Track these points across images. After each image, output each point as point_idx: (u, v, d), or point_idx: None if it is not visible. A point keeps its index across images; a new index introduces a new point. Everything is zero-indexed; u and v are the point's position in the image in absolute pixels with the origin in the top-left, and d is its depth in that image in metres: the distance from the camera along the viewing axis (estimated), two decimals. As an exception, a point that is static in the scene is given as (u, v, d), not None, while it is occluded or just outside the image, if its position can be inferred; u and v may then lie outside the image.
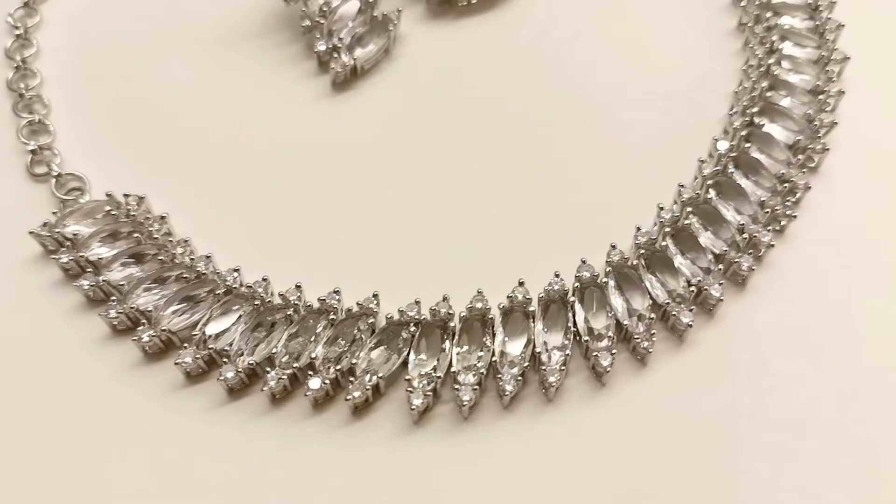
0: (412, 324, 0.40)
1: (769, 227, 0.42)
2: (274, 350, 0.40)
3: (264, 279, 0.42)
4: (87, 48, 0.51)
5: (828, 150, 0.45)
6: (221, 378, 0.39)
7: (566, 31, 0.51)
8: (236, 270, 0.42)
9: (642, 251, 0.42)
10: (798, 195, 0.43)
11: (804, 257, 0.43)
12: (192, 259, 0.42)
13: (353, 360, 0.39)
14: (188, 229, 0.44)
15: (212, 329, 0.40)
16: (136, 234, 0.43)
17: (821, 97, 0.46)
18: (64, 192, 0.45)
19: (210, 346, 0.40)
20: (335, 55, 0.48)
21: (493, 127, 0.48)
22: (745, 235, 0.42)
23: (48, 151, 0.47)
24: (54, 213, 0.44)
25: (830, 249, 0.43)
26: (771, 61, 0.47)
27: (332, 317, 0.41)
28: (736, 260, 0.41)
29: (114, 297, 0.41)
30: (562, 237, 0.44)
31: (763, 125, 0.45)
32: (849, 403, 0.39)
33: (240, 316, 0.41)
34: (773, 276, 0.42)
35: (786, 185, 0.43)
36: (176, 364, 0.40)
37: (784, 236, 0.43)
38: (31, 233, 0.43)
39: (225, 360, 0.40)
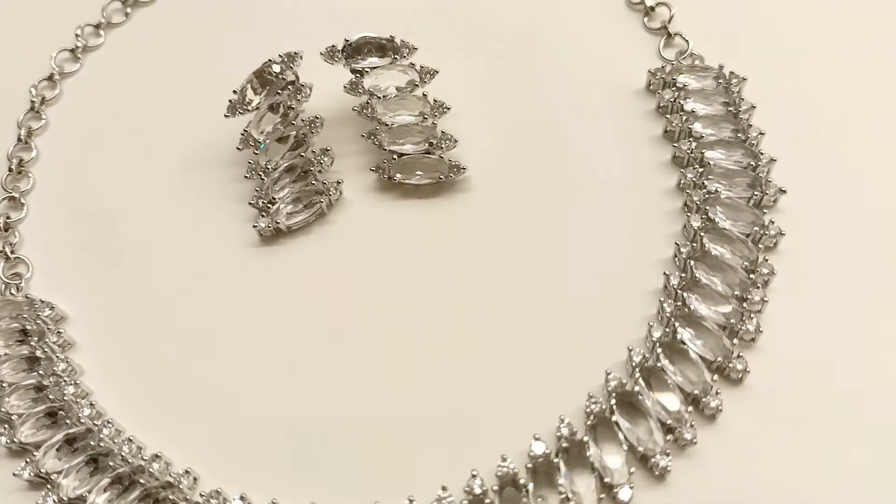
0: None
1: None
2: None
3: (110, 421, 0.46)
4: (73, 156, 0.56)
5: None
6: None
7: (502, 223, 0.52)
8: (92, 404, 0.47)
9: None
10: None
11: None
12: (64, 381, 0.47)
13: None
14: (87, 339, 0.50)
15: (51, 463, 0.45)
16: (32, 342, 0.48)
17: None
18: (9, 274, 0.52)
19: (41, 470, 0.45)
20: (262, 214, 0.51)
21: (409, 310, 0.50)
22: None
23: (11, 230, 0.53)
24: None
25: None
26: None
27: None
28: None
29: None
30: (476, 434, 0.46)
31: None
32: None
33: (76, 449, 0.46)
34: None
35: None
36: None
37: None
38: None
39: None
